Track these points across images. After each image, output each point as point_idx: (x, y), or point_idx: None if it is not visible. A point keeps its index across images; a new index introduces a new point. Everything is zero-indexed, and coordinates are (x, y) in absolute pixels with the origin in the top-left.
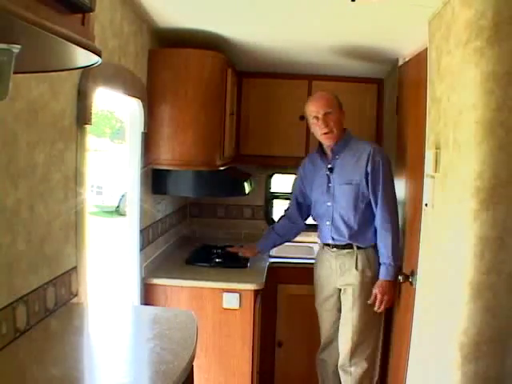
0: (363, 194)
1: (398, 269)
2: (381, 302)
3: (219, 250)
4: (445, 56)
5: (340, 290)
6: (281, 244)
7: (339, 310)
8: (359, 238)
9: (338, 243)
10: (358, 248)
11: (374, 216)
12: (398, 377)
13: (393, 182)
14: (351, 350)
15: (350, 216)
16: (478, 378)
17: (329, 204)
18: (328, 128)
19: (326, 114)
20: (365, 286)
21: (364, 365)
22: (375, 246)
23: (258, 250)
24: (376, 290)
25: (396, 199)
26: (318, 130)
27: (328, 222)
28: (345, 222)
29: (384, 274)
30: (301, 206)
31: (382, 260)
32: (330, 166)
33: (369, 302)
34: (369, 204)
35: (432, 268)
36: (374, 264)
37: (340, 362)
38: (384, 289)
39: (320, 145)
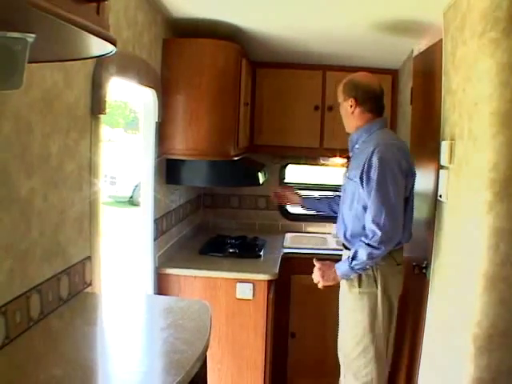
0: (359, 194)
1: (352, 272)
2: (315, 276)
3: (233, 240)
4: (460, 47)
5: None
6: (321, 211)
7: None
8: (352, 241)
9: (341, 240)
10: None
11: None
12: (411, 368)
13: (393, 186)
14: (343, 363)
15: (347, 214)
16: (491, 370)
17: (340, 195)
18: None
19: (339, 105)
20: (352, 299)
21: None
22: None
23: (302, 202)
24: (322, 264)
25: (392, 209)
26: None
27: (338, 215)
28: (343, 219)
29: (339, 263)
30: None
31: (349, 253)
32: (350, 153)
33: (315, 262)
34: (365, 207)
35: (446, 260)
36: (366, 277)
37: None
38: (327, 268)
39: None
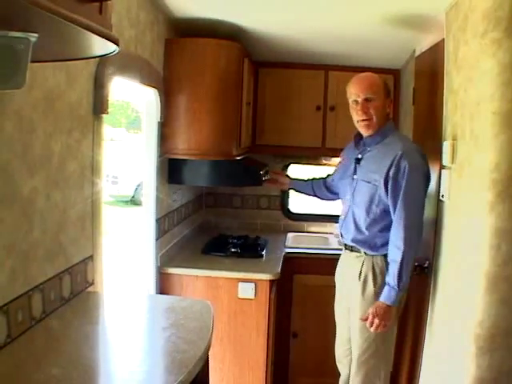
0: (380, 197)
1: (402, 293)
2: (371, 324)
3: (235, 240)
4: (462, 47)
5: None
6: (307, 194)
7: None
8: (366, 243)
9: (345, 242)
10: (366, 253)
11: (390, 225)
12: (412, 368)
13: (420, 192)
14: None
15: (361, 217)
16: (493, 370)
17: (348, 197)
18: (367, 115)
19: (366, 100)
20: (366, 301)
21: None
22: (386, 255)
23: (289, 182)
24: (370, 310)
25: (420, 213)
26: (355, 117)
27: (342, 216)
28: (355, 222)
29: (384, 296)
30: (331, 183)
31: (387, 279)
32: (359, 155)
33: (360, 318)
34: (386, 211)
35: (448, 260)
36: (380, 276)
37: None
38: (379, 311)
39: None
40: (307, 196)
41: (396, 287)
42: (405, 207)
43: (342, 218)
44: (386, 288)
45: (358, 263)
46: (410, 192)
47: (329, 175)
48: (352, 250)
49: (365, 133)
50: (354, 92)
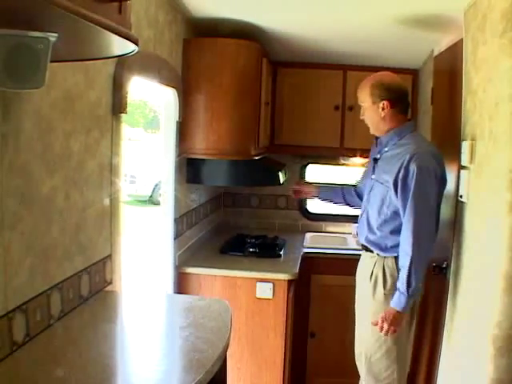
0: (391, 199)
1: (412, 299)
2: (381, 329)
3: (253, 240)
4: (480, 47)
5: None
6: (337, 203)
7: None
8: (377, 244)
9: (360, 241)
10: (378, 254)
11: (400, 226)
12: (430, 369)
13: (431, 196)
14: (364, 365)
15: (373, 217)
16: (511, 371)
17: (365, 197)
18: (364, 118)
19: (361, 105)
20: (376, 301)
21: None
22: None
23: (315, 190)
24: (381, 315)
25: (431, 217)
26: None
27: (359, 216)
28: (368, 222)
29: (394, 302)
30: (361, 188)
31: (397, 284)
32: (378, 155)
33: (372, 323)
34: (396, 213)
35: (466, 260)
36: (390, 278)
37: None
38: (388, 317)
39: None
40: (336, 205)
41: (405, 293)
42: (414, 211)
43: (359, 217)
44: (396, 294)
45: (371, 264)
46: (419, 196)
47: (358, 182)
48: (367, 250)
49: (371, 132)
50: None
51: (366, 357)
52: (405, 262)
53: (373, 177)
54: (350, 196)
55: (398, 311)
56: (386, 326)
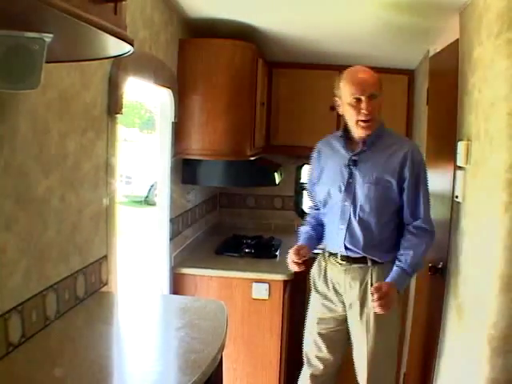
0: (392, 198)
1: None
2: (378, 304)
3: (249, 240)
4: (476, 47)
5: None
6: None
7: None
8: (376, 249)
9: (350, 254)
10: (374, 263)
11: (398, 226)
12: (427, 370)
13: (427, 187)
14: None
15: (371, 222)
16: (507, 371)
17: (346, 204)
18: (370, 115)
19: (371, 97)
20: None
21: None
22: (393, 261)
23: (310, 250)
24: (382, 291)
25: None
26: (355, 116)
27: (342, 226)
28: (364, 229)
29: (399, 283)
30: (322, 213)
31: (402, 265)
32: (354, 157)
33: (373, 286)
34: (395, 211)
35: (462, 261)
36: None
37: None
38: (386, 292)
39: (345, 130)
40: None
41: (412, 274)
42: (426, 205)
43: (341, 228)
44: (402, 275)
45: (364, 273)
46: (427, 190)
47: (311, 211)
48: (355, 262)
49: (362, 134)
50: (360, 89)
51: (373, 366)
52: (418, 248)
53: (350, 180)
54: (320, 229)
55: (397, 290)
56: (381, 301)
